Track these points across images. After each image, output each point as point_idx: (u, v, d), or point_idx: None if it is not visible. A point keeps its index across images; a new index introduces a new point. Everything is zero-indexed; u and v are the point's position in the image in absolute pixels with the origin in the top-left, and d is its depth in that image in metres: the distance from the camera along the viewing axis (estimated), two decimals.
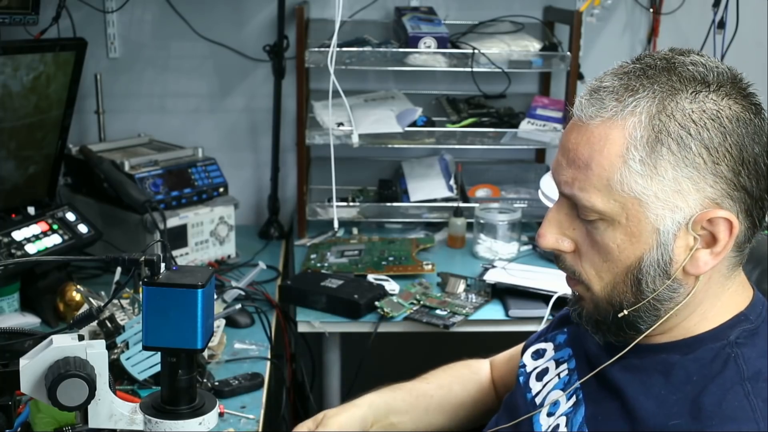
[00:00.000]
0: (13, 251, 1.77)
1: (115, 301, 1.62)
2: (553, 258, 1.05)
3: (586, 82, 2.50)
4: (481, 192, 2.54)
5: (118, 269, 1.60)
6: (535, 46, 2.37)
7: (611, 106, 0.93)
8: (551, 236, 1.01)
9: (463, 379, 1.40)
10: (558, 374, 1.14)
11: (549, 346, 1.21)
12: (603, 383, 1.04)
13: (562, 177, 0.98)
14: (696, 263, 0.94)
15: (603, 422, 1.00)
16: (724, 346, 0.96)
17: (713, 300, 0.99)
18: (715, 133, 0.90)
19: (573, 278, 1.02)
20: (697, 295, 0.97)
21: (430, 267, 2.11)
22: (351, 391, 2.05)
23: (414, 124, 2.35)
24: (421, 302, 1.95)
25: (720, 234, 0.92)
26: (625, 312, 0.98)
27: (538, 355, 1.22)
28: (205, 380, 1.53)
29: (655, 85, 0.92)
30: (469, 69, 2.29)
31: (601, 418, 1.01)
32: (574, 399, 1.07)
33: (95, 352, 0.98)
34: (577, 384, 1.07)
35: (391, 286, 2.02)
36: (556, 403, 1.09)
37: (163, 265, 0.96)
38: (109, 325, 1.50)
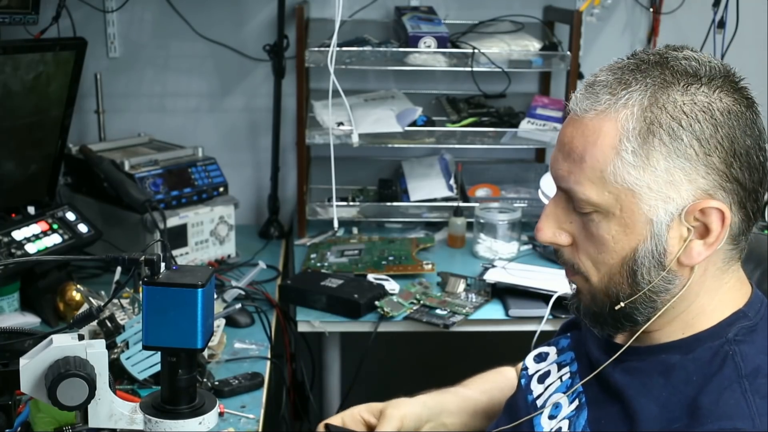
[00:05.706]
0: (13, 251, 1.77)
1: (115, 300, 1.62)
2: (554, 255, 1.07)
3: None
4: (481, 192, 2.54)
5: (118, 269, 1.60)
6: (535, 45, 2.37)
7: (605, 99, 0.95)
8: (549, 230, 1.03)
9: (501, 386, 1.40)
10: (560, 377, 1.14)
11: (552, 350, 1.22)
12: (604, 386, 1.04)
13: (559, 171, 1.00)
14: (690, 254, 0.95)
15: (605, 425, 1.00)
16: (723, 344, 0.96)
17: (711, 294, 0.99)
18: (706, 125, 0.91)
19: (571, 270, 1.03)
20: (692, 288, 0.97)
21: (430, 267, 2.11)
22: (351, 391, 2.06)
23: (414, 123, 2.34)
24: (421, 302, 1.95)
25: (713, 225, 0.93)
26: (622, 304, 0.99)
27: (541, 358, 1.22)
28: (205, 380, 1.53)
29: (647, 78, 0.94)
30: (469, 69, 2.29)
31: (603, 422, 1.01)
32: (576, 402, 1.07)
33: (95, 352, 0.98)
34: (579, 387, 1.07)
35: (391, 285, 2.01)
36: (557, 406, 1.09)
37: (163, 264, 0.96)
38: (109, 324, 1.50)
